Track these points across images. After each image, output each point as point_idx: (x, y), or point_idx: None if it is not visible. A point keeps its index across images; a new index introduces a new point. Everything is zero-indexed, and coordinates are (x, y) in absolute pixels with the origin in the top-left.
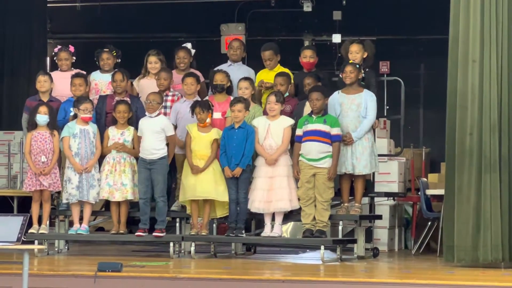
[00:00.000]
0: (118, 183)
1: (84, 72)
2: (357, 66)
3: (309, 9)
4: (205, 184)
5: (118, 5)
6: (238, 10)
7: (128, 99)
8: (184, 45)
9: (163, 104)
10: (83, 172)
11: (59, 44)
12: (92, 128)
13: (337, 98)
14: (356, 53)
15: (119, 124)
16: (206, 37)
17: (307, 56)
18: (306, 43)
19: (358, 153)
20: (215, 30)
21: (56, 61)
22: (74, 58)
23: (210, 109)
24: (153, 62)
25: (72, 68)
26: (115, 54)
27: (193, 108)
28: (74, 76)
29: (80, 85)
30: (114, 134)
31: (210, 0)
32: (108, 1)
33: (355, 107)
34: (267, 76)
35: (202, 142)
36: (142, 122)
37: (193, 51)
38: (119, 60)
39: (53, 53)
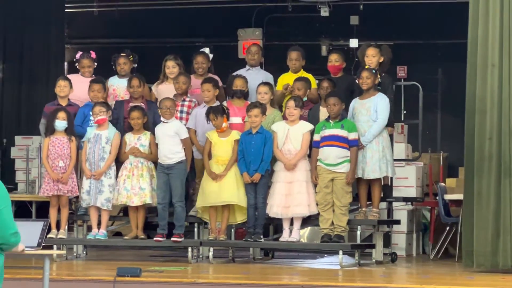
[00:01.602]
0: (136, 187)
1: (103, 79)
2: (374, 71)
3: (326, 14)
4: (229, 189)
5: (135, 10)
6: (255, 15)
7: (143, 104)
8: (202, 49)
9: (180, 109)
10: (92, 178)
11: (76, 49)
12: (107, 133)
13: (351, 104)
14: (372, 56)
15: (135, 129)
16: (223, 42)
17: (332, 60)
18: (323, 48)
19: (367, 157)
20: (232, 35)
21: (77, 67)
22: (96, 64)
23: (224, 113)
24: (170, 66)
25: (93, 76)
26: (131, 58)
27: (207, 114)
28: (92, 82)
29: (98, 91)
30: (131, 139)
31: (227, 5)
32: (126, 6)
33: (365, 111)
34: (290, 79)
35: (223, 147)
36: (158, 128)
37: (211, 55)
38: (136, 65)
39: (75, 59)
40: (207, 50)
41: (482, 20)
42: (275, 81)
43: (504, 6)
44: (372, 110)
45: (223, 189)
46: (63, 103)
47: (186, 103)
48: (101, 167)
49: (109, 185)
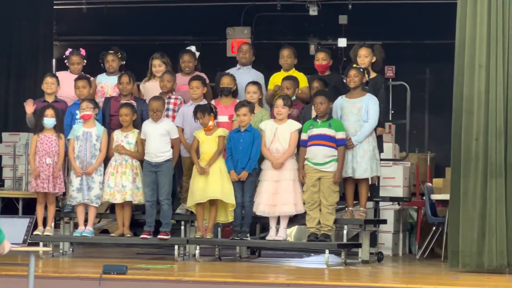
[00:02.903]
0: (119, 185)
1: (89, 76)
2: (361, 70)
3: (315, 13)
4: (213, 185)
5: (124, 8)
6: (244, 14)
7: (133, 101)
8: (188, 48)
9: (166, 107)
10: (83, 175)
11: (65, 46)
12: (97, 130)
13: (339, 102)
14: (365, 56)
15: (124, 127)
16: (212, 40)
17: (320, 59)
18: (312, 47)
19: (358, 156)
20: (221, 33)
21: (67, 63)
22: (85, 61)
23: (212, 112)
24: (157, 65)
25: (82, 73)
26: (120, 56)
27: (195, 113)
28: (77, 79)
29: (83, 87)
30: (118, 136)
31: (216, 3)
32: (114, 4)
33: (356, 111)
34: (281, 78)
35: (209, 144)
36: (146, 125)
37: (197, 53)
38: (124, 62)
39: (64, 56)
40: (193, 48)
41: (470, 21)
42: (267, 80)
43: (492, 7)
44: (363, 111)
45: (208, 185)
46: (50, 99)
47: (172, 100)
48: (93, 164)
49: (100, 182)
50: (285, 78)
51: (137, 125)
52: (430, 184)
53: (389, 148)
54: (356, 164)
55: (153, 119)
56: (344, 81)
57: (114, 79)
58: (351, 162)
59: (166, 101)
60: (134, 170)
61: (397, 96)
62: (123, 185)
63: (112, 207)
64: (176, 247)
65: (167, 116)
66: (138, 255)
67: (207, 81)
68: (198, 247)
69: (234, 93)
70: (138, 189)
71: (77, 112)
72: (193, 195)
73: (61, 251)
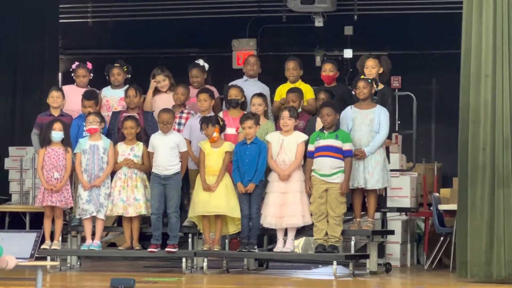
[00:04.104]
0: (131, 198)
1: (97, 91)
2: (369, 81)
3: (321, 24)
4: (217, 200)
5: (129, 21)
6: (249, 25)
7: (136, 114)
8: (196, 61)
9: (178, 121)
10: (91, 188)
11: (70, 60)
12: (103, 143)
13: (349, 113)
14: (372, 67)
15: (128, 139)
16: (218, 52)
17: (327, 70)
18: (318, 58)
19: (370, 167)
20: (227, 45)
21: (73, 77)
22: (92, 75)
23: (217, 123)
24: (161, 80)
25: (88, 86)
26: (125, 69)
27: (200, 124)
28: (84, 98)
29: (90, 107)
30: (124, 149)
31: (221, 16)
32: (120, 17)
33: (368, 122)
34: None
35: (214, 157)
36: (155, 138)
37: (206, 66)
38: (129, 76)
39: (71, 69)
40: (201, 62)
41: (475, 30)
42: (273, 92)
43: (497, 16)
44: (375, 122)
45: (212, 199)
46: (56, 113)
47: (184, 115)
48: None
49: (106, 193)
50: (290, 91)
51: (139, 138)
52: (437, 194)
53: (396, 158)
54: (368, 175)
55: (163, 131)
56: (353, 92)
57: (119, 92)
58: (363, 173)
59: (178, 115)
60: (144, 183)
61: (404, 107)
62: (136, 198)
63: (119, 220)
64: (183, 259)
65: (179, 130)
66: (145, 268)
67: (216, 94)
68: (205, 259)
69: (242, 105)
70: (149, 202)
71: (84, 124)
72: (195, 207)
73: (68, 265)
